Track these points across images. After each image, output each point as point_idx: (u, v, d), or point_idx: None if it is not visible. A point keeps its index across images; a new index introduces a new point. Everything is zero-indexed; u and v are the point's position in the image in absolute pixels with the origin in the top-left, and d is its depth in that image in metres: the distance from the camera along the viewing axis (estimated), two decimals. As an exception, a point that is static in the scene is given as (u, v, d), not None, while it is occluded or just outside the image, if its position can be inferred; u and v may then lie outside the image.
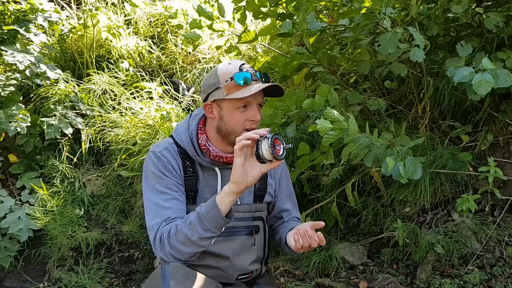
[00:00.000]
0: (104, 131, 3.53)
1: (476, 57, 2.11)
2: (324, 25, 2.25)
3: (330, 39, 2.62)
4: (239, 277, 1.80)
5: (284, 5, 2.37)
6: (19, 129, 3.19)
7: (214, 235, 1.54)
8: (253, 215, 1.81)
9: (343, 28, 2.35)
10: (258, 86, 1.60)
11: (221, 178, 1.75)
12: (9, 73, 3.42)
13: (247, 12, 2.46)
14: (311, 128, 2.13)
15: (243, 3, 2.38)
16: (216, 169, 1.75)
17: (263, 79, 1.66)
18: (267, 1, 2.32)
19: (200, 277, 1.55)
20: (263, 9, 2.41)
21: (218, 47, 3.10)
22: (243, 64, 1.66)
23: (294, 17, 2.35)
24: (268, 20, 2.66)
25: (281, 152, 1.46)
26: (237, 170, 1.47)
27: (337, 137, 2.01)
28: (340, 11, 2.30)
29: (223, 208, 1.49)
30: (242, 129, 1.64)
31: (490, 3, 2.44)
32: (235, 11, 2.44)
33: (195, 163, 1.74)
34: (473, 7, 2.27)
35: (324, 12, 2.43)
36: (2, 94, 3.23)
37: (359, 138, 2.04)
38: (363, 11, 2.07)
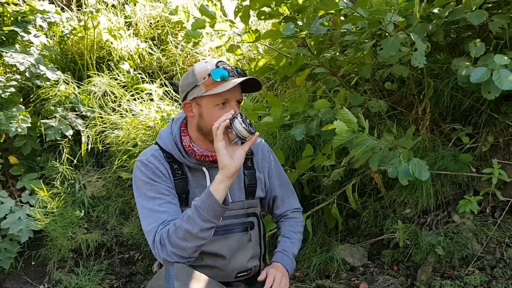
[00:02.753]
0: (105, 132, 3.53)
1: (485, 57, 2.12)
2: (327, 30, 2.26)
3: (333, 40, 2.63)
4: (238, 275, 1.80)
5: (288, 6, 2.37)
6: (20, 130, 3.19)
7: (214, 225, 1.54)
8: (247, 211, 1.83)
9: (345, 33, 2.35)
10: (236, 81, 1.61)
11: (209, 177, 1.76)
12: (9, 75, 3.42)
13: (250, 12, 2.46)
14: (326, 128, 2.13)
15: (247, 2, 2.38)
16: (204, 169, 1.76)
17: (240, 75, 1.67)
18: (271, 1, 2.32)
19: (204, 279, 1.55)
20: (267, 10, 2.41)
21: (218, 47, 3.09)
22: (220, 61, 1.68)
23: (298, 21, 2.36)
24: (270, 22, 2.65)
25: (253, 127, 1.54)
26: (222, 154, 1.51)
27: (348, 139, 2.02)
28: (342, 18, 2.30)
29: (218, 196, 1.51)
30: None
31: (490, 5, 2.44)
32: (236, 9, 2.43)
33: (183, 165, 1.76)
34: (473, 8, 2.28)
35: (328, 18, 2.44)
36: (2, 95, 3.23)
37: (366, 141, 2.04)
38: (369, 15, 2.07)
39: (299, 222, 2.00)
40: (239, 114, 1.52)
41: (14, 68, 3.36)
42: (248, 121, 1.52)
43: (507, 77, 1.93)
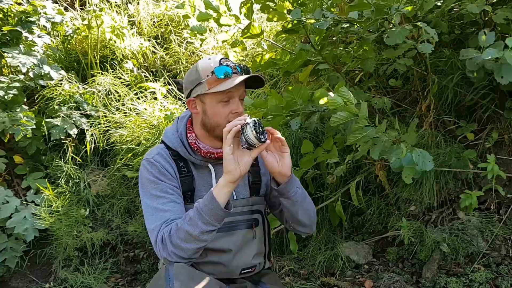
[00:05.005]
0: (109, 131, 3.54)
1: (494, 45, 2.09)
2: (332, 18, 2.25)
3: (335, 35, 2.62)
4: (243, 272, 1.80)
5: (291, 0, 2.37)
6: (24, 133, 3.21)
7: (215, 228, 1.54)
8: (251, 208, 1.82)
9: (349, 25, 2.34)
10: (239, 78, 1.62)
11: (215, 174, 1.76)
12: (13, 75, 3.44)
13: (253, 7, 2.45)
14: (324, 101, 2.10)
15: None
16: (210, 166, 1.77)
17: (243, 72, 1.68)
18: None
19: (204, 278, 1.54)
20: (271, 4, 2.40)
21: (223, 41, 3.08)
22: (223, 58, 1.68)
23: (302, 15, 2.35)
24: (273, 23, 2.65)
25: (264, 135, 1.51)
26: (228, 159, 1.50)
27: (346, 120, 1.99)
28: (350, 4, 2.29)
29: (220, 200, 1.51)
30: (226, 122, 1.64)
31: (495, 0, 2.43)
32: (242, 4, 2.43)
33: (189, 163, 1.76)
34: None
35: (335, 4, 2.42)
36: (5, 97, 3.24)
37: (366, 128, 2.03)
38: (376, 3, 2.06)
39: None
40: (252, 120, 1.50)
41: (18, 68, 3.37)
42: (260, 128, 1.50)
43: None
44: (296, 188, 1.69)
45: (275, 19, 2.41)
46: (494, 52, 1.95)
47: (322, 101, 2.20)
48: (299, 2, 2.36)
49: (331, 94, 2.00)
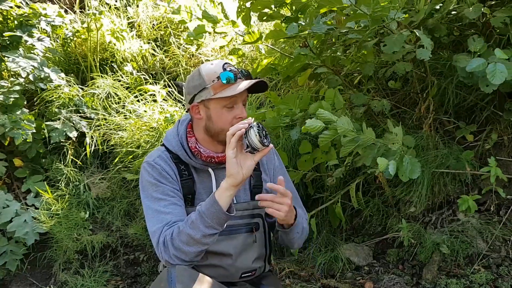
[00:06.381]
0: (109, 134, 3.54)
1: (485, 53, 2.11)
2: (329, 28, 2.26)
3: (334, 40, 2.63)
4: (243, 275, 1.81)
5: (289, 6, 2.37)
6: (24, 137, 3.21)
7: (217, 232, 1.55)
8: (252, 212, 1.83)
9: (348, 31, 2.35)
10: (245, 84, 1.63)
11: (215, 178, 1.77)
12: (13, 78, 3.43)
13: (251, 13, 2.46)
14: (304, 130, 2.14)
15: (248, 4, 2.38)
16: (210, 170, 1.77)
17: (246, 76, 1.69)
18: (272, 3, 2.32)
19: (206, 280, 1.55)
20: (268, 11, 2.41)
21: (221, 47, 3.09)
22: (226, 63, 1.68)
23: (300, 21, 2.36)
24: (273, 23, 2.66)
25: (268, 139, 1.52)
26: (231, 163, 1.50)
27: (332, 137, 2.03)
28: (345, 17, 2.30)
29: (223, 203, 1.52)
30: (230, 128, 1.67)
31: (493, 2, 2.43)
32: (239, 9, 2.44)
33: (189, 166, 1.77)
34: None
35: (332, 16, 2.44)
36: (6, 101, 3.23)
37: (357, 139, 2.05)
38: (372, 12, 2.07)
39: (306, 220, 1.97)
40: (255, 124, 1.50)
41: (18, 72, 3.37)
42: (264, 132, 1.51)
43: (501, 71, 1.91)
44: (296, 233, 1.78)
45: (272, 38, 2.43)
46: (477, 65, 1.98)
47: (303, 130, 2.24)
48: (298, 7, 2.37)
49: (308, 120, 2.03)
